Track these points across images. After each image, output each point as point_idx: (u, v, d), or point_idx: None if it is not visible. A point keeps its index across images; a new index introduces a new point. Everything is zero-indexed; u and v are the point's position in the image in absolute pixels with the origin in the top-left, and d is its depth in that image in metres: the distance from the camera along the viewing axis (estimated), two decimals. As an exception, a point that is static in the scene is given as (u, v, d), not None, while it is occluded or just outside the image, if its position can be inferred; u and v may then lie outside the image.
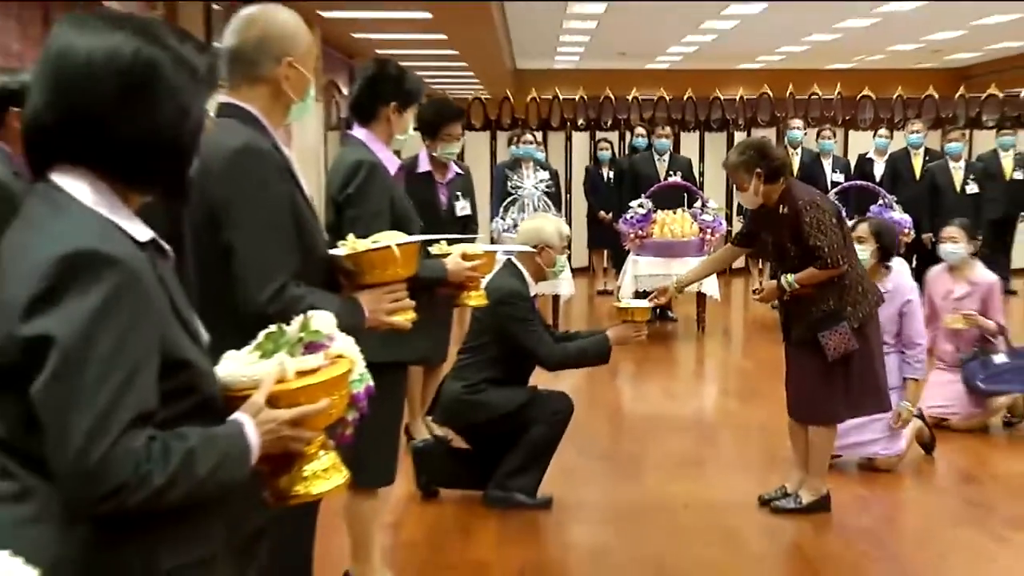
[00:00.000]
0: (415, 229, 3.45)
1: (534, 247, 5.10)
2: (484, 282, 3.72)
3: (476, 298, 3.69)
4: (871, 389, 4.99)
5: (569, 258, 10.06)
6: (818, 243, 4.72)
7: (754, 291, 5.34)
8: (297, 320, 1.90)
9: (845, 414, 5.02)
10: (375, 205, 3.44)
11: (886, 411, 5.24)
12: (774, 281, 4.99)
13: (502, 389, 5.07)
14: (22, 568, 1.32)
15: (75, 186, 1.68)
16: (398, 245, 2.66)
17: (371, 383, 2.03)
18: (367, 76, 3.83)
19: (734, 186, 5.05)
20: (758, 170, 4.82)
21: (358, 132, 3.77)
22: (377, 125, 3.76)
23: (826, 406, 4.93)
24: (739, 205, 12.37)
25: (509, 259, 5.17)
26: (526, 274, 5.11)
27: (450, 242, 3.66)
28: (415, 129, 4.52)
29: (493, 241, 9.48)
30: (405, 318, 2.78)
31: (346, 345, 1.94)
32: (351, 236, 2.78)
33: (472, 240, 3.81)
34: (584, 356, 5.06)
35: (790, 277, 4.83)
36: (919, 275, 10.08)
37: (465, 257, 3.54)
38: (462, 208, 6.09)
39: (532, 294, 5.14)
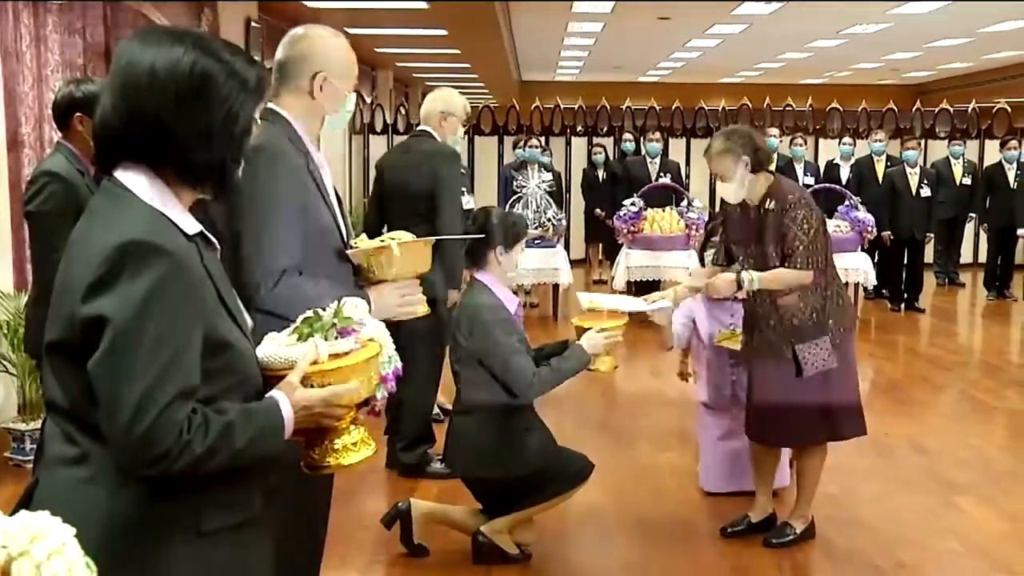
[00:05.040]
0: None
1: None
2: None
3: (607, 363, 3.84)
4: (848, 412, 4.10)
5: (568, 250, 10.08)
6: (796, 241, 3.86)
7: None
8: (331, 307, 1.87)
9: (824, 435, 4.15)
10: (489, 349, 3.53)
11: (862, 435, 4.19)
12: (730, 274, 3.96)
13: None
14: (61, 524, 1.29)
15: (135, 182, 1.68)
16: (399, 244, 2.59)
17: (399, 364, 2.00)
18: (478, 227, 3.91)
19: (717, 180, 4.01)
20: (744, 158, 3.91)
21: (482, 276, 3.92)
22: (490, 267, 3.91)
23: (802, 425, 4.06)
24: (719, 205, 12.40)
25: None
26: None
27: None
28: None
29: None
30: (415, 312, 2.72)
31: (376, 330, 1.92)
32: (363, 236, 2.74)
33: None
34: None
35: (754, 274, 3.90)
36: (881, 269, 10.16)
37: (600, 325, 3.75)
38: (467, 203, 6.18)
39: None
